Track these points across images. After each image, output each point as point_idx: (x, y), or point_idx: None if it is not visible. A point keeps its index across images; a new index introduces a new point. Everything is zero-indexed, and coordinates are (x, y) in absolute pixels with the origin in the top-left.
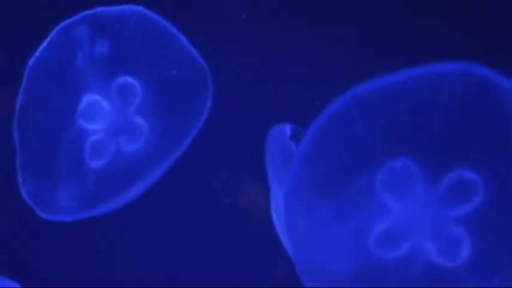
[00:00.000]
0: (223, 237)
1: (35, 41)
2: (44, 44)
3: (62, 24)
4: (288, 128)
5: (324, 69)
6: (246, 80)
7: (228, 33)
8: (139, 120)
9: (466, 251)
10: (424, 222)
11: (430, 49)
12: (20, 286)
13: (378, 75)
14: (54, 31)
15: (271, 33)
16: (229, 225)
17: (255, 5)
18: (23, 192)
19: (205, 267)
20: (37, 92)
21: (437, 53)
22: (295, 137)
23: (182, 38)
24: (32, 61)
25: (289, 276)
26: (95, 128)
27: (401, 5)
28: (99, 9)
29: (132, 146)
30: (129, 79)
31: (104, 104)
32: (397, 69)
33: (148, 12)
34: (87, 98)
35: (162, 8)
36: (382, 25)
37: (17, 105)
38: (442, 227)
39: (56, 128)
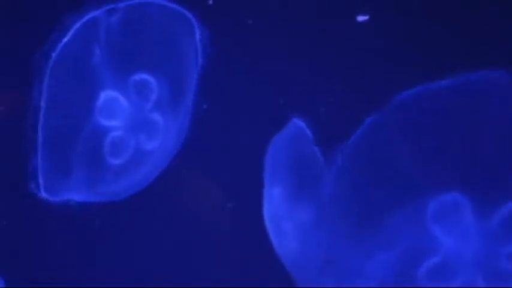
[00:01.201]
0: (224, 239)
1: (38, 39)
2: (65, 39)
3: (82, 20)
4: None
5: (328, 74)
6: (251, 83)
7: (234, 37)
8: (156, 116)
9: None
10: (475, 257)
11: (433, 51)
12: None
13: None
14: (74, 26)
15: (276, 38)
16: (230, 227)
17: (260, 11)
18: (40, 185)
19: (204, 268)
20: (57, 88)
21: (440, 54)
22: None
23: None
24: (53, 57)
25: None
26: (114, 125)
27: (401, 10)
28: (120, 2)
29: (150, 143)
30: (146, 75)
31: (122, 100)
32: (400, 71)
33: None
34: (105, 94)
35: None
36: (382, 30)
37: (38, 101)
38: (493, 262)
39: (74, 124)
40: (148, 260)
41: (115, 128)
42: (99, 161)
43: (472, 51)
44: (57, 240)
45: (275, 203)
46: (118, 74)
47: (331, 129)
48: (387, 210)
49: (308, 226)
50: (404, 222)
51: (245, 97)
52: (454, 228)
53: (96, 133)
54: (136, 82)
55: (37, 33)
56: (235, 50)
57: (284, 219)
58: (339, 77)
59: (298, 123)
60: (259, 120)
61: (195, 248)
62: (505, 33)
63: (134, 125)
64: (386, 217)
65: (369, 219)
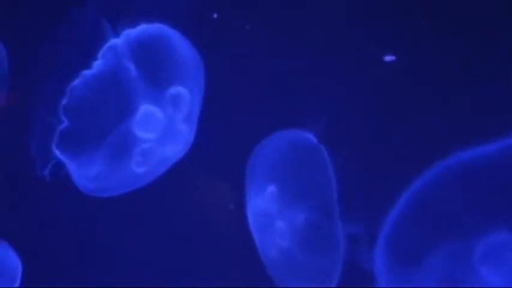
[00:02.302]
0: (226, 240)
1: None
2: (97, 60)
3: (110, 42)
4: (309, 136)
5: (323, 79)
6: (250, 87)
7: (233, 42)
8: (183, 127)
9: None
10: None
11: (431, 50)
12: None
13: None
14: (104, 48)
15: (273, 43)
16: (232, 228)
17: (258, 18)
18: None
19: (205, 268)
20: (87, 96)
21: (440, 54)
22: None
23: None
24: (86, 72)
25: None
26: (148, 137)
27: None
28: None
29: (172, 150)
30: (180, 88)
31: (159, 114)
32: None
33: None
34: (144, 109)
35: (170, 19)
36: (378, 30)
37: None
38: None
39: (102, 131)
40: (148, 260)
41: (148, 140)
42: (121, 165)
43: (494, 85)
44: (57, 239)
45: (267, 200)
46: (154, 88)
47: (337, 133)
48: (434, 243)
49: (302, 228)
50: (450, 256)
51: (248, 102)
52: (500, 266)
53: (126, 141)
54: (173, 96)
55: (39, 31)
56: (234, 53)
57: (277, 217)
58: (340, 80)
59: (304, 127)
60: (264, 124)
61: (197, 249)
62: None
63: (165, 136)
64: (432, 249)
65: (414, 249)
